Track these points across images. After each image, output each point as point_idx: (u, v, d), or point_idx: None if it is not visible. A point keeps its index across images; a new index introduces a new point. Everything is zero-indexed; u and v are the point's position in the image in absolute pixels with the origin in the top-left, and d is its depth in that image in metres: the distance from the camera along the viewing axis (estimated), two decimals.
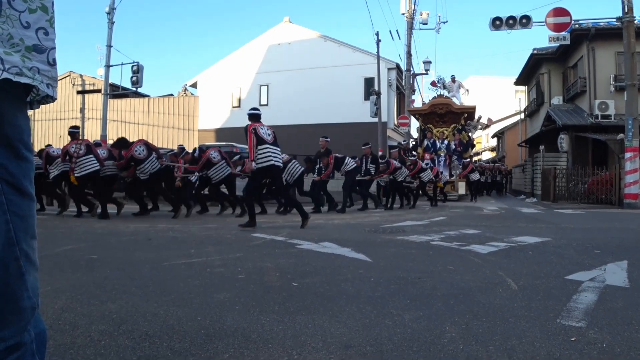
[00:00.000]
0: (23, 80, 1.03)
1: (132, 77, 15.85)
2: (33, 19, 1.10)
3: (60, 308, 2.77)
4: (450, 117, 18.74)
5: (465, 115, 18.84)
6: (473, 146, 20.82)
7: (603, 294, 3.08)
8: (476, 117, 19.87)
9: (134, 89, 16.98)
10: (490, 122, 20.62)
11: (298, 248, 5.03)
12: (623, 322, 2.50)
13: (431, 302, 2.84)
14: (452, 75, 20.35)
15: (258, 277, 3.57)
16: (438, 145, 18.57)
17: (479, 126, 20.36)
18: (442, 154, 18.41)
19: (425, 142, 18.83)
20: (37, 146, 29.04)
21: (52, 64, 1.15)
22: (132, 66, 15.82)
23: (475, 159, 27.09)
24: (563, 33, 14.03)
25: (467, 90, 21.09)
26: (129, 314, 2.63)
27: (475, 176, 17.46)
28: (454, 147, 18.35)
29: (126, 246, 5.42)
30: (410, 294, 3.05)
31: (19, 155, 1.04)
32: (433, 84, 20.39)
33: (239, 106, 26.48)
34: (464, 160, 17.75)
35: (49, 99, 1.20)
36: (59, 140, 28.52)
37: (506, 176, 24.51)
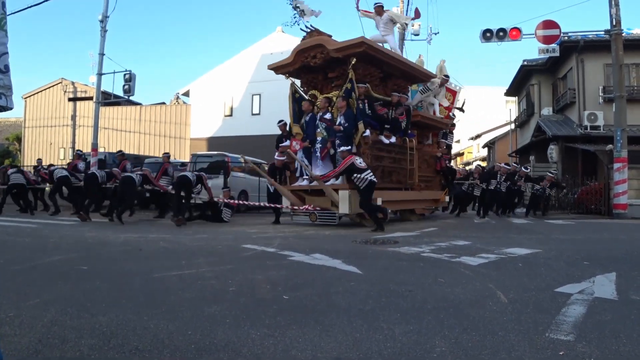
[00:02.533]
0: None
1: (124, 85, 15.82)
2: None
3: (49, 321, 2.75)
4: (343, 70, 9.86)
5: (353, 60, 9.54)
6: (442, 131, 13.30)
7: (592, 307, 3.11)
8: (438, 76, 12.72)
9: (126, 97, 16.93)
10: (459, 90, 14.51)
11: (289, 260, 5.02)
12: (611, 336, 2.52)
13: (421, 316, 2.85)
14: (378, 3, 11.60)
15: (249, 289, 3.57)
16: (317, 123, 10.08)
17: (444, 95, 13.31)
18: (320, 138, 9.90)
19: (303, 120, 10.40)
20: (28, 153, 28.88)
21: (4, 70, 1.03)
22: (124, 74, 15.80)
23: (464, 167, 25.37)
24: (552, 45, 14.25)
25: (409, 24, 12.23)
26: (119, 328, 2.62)
27: (366, 177, 8.67)
28: (342, 124, 9.42)
29: (117, 257, 5.39)
30: (401, 307, 3.06)
31: None
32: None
33: (231, 115, 26.47)
34: (342, 149, 9.05)
35: (6, 107, 1.10)
36: (49, 147, 28.38)
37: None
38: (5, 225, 9.33)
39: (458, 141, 47.76)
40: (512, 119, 29.11)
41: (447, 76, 12.97)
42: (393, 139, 10.32)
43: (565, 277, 4.11)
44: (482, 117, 41.95)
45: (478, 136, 39.70)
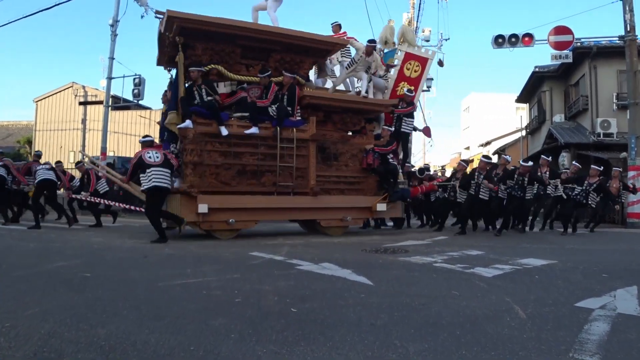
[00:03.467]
0: None
1: (133, 90, 15.86)
2: None
3: (47, 333, 2.64)
4: (193, 54, 8.45)
5: (179, 40, 8.18)
6: (395, 115, 10.25)
7: (615, 324, 2.94)
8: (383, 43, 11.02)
9: (136, 101, 16.95)
10: (431, 56, 10.94)
11: (297, 269, 4.89)
12: None
13: (437, 332, 2.70)
14: None
15: (256, 301, 3.44)
16: None
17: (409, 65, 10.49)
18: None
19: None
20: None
21: None
22: (134, 79, 15.84)
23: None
24: (565, 51, 14.05)
25: None
26: (119, 341, 2.50)
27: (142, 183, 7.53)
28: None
29: (121, 263, 5.28)
30: (415, 322, 2.91)
31: None
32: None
33: None
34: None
35: None
36: (59, 150, 28.51)
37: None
38: (12, 228, 9.29)
39: (467, 148, 47.50)
40: (523, 126, 28.84)
41: (372, 41, 9.56)
42: (253, 130, 8.24)
43: (584, 291, 3.94)
44: (492, 124, 41.69)
45: (488, 143, 39.38)
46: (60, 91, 29.52)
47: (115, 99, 18.69)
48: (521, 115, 30.91)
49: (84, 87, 29.04)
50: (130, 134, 27.77)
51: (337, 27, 10.65)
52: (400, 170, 10.18)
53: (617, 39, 14.13)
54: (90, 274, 4.46)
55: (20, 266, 4.92)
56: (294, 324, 2.85)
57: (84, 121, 28.48)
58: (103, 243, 7.10)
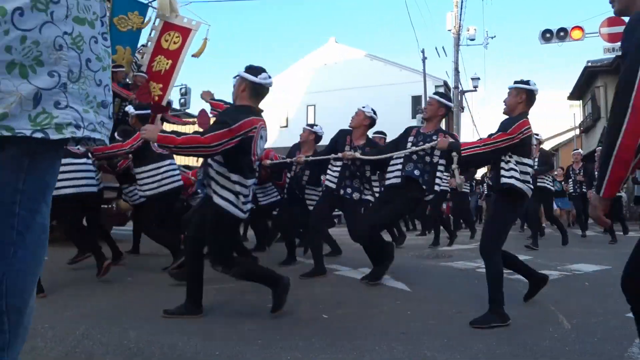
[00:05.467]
0: (96, 136, 1.13)
1: (180, 99, 16.27)
2: (104, 77, 1.19)
3: (81, 334, 2.70)
4: None
5: None
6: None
7: None
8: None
9: (182, 110, 17.42)
10: (187, 29, 7.56)
11: (335, 274, 4.82)
12: None
13: (471, 343, 2.57)
14: None
15: (288, 306, 3.38)
16: None
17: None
18: None
19: None
20: None
21: (111, 117, 1.25)
22: (180, 88, 16.25)
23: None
24: (619, 43, 13.32)
25: None
26: (147, 344, 2.52)
27: None
28: None
29: (165, 267, 5.37)
30: (448, 331, 2.79)
31: None
32: None
33: (286, 126, 26.67)
34: None
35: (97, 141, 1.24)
36: None
37: None
38: None
39: None
40: (577, 124, 27.63)
41: None
42: None
43: None
44: (544, 123, 40.16)
45: (540, 143, 38.00)
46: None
47: None
48: (574, 112, 29.61)
49: None
50: None
51: None
52: None
53: None
54: (132, 278, 4.57)
55: (71, 270, 5.10)
56: (323, 330, 2.79)
57: None
58: (152, 245, 7.25)
